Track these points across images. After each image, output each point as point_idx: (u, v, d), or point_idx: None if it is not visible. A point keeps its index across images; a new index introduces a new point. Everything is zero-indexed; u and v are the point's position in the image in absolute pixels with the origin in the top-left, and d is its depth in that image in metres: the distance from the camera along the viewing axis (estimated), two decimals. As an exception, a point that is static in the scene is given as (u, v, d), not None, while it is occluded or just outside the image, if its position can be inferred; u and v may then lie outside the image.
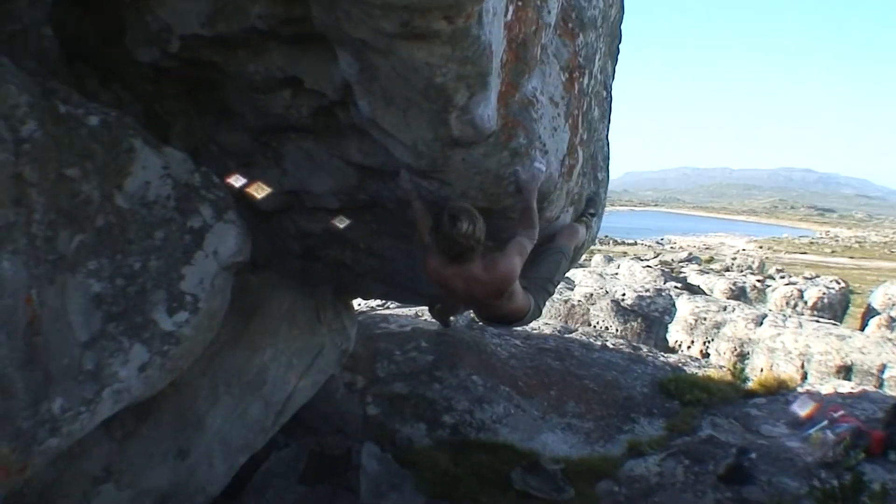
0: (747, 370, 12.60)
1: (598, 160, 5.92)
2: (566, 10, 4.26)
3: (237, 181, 4.61)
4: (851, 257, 75.37)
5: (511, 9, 3.39)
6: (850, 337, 13.02)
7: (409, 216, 4.43)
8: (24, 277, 2.86)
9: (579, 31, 4.45)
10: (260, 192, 4.70)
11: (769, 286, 23.66)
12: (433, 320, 8.27)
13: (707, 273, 27.66)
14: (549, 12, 3.87)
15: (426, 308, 11.54)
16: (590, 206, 5.73)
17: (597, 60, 4.99)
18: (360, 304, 12.25)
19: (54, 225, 3.04)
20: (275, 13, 3.38)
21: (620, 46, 6.23)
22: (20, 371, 2.84)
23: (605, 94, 5.73)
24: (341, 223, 5.08)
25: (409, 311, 11.80)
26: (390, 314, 11.44)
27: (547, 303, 5.11)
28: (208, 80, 4.12)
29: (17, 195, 2.86)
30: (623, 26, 6.06)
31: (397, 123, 3.62)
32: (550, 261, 4.98)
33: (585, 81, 4.73)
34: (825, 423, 8.06)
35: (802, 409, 8.39)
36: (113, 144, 3.41)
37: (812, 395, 9.95)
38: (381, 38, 2.98)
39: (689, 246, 68.98)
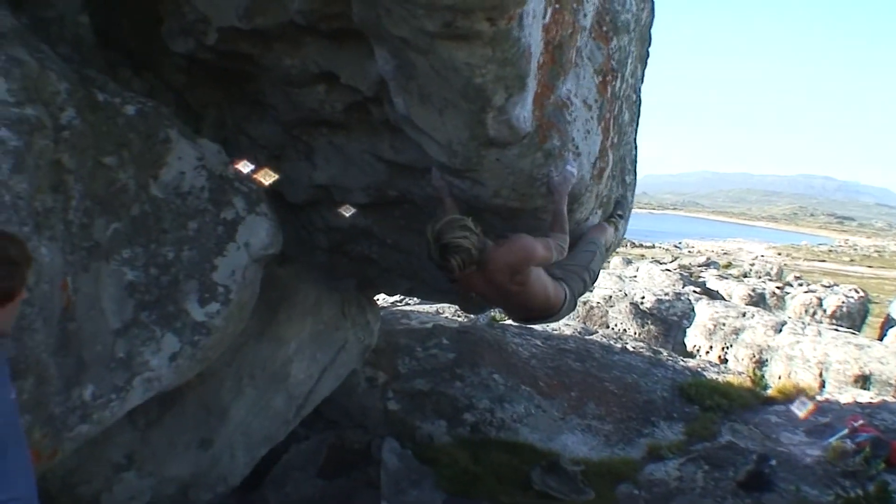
0: (765, 377, 12.55)
1: (627, 163, 5.90)
2: (601, 13, 4.24)
3: (245, 167, 4.60)
4: (870, 266, 74.77)
5: (549, 11, 3.38)
6: (868, 346, 12.92)
7: (439, 214, 4.30)
8: (60, 264, 2.88)
9: (613, 34, 4.43)
10: (268, 178, 4.70)
11: (788, 293, 23.54)
12: (454, 317, 8.25)
13: (726, 278, 27.54)
14: (585, 16, 3.87)
15: (447, 305, 11.58)
16: (618, 209, 5.71)
17: (629, 64, 4.98)
18: (380, 300, 12.28)
19: (90, 212, 3.06)
20: (314, 8, 3.40)
21: (650, 50, 6.21)
22: (54, 357, 2.86)
23: (634, 97, 5.71)
24: (347, 212, 5.07)
25: (430, 307, 11.82)
26: (411, 311, 11.46)
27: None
28: (242, 73, 4.15)
29: (55, 182, 2.89)
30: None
31: (433, 122, 3.61)
32: (584, 251, 4.85)
33: (618, 85, 4.71)
34: (845, 431, 8.02)
35: (800, 410, 8.35)
36: (149, 134, 3.44)
37: (829, 402, 9.89)
38: (421, 37, 2.97)
39: (707, 250, 68.59)
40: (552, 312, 4.41)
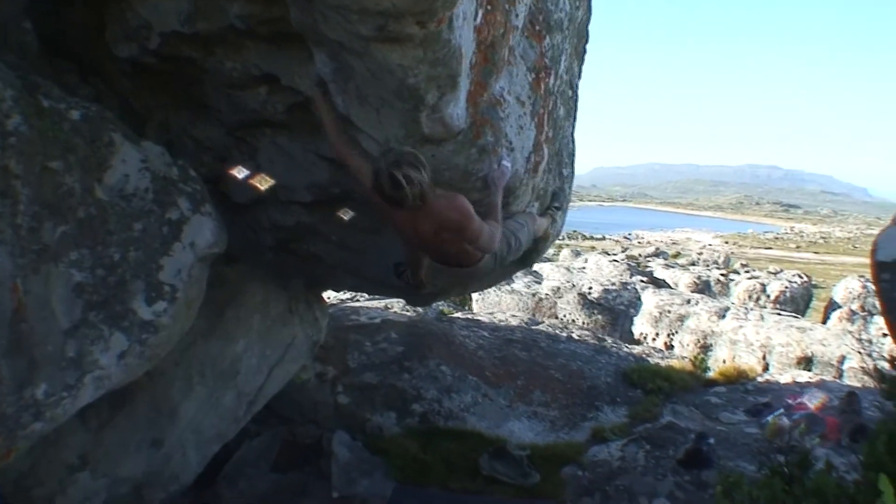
0: (710, 362, 12.90)
1: (564, 157, 6.07)
2: (534, 13, 4.40)
3: (240, 172, 4.71)
4: (816, 252, 76.40)
5: (481, 13, 3.53)
6: (811, 329, 13.35)
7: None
8: (10, 267, 2.95)
9: (546, 33, 4.59)
10: (264, 183, 4.77)
11: (733, 280, 24.06)
12: (402, 312, 8.36)
13: (672, 267, 28.04)
14: (518, 16, 4.02)
15: (395, 300, 11.71)
16: (554, 201, 5.88)
17: (563, 61, 5.14)
18: (330, 297, 12.35)
19: (39, 216, 3.13)
20: (253, 13, 3.50)
21: (587, 46, 6.38)
22: (5, 358, 2.93)
23: (570, 93, 5.88)
24: (346, 215, 5.07)
25: (379, 303, 11.94)
26: (360, 307, 11.56)
27: (515, 295, 5.14)
28: (185, 76, 4.22)
29: (3, 187, 2.96)
30: (591, 26, 6.21)
31: (370, 120, 3.75)
32: (515, 220, 4.90)
33: (551, 81, 4.86)
34: (781, 410, 8.33)
35: (812, 402, 8.60)
36: (94, 138, 3.50)
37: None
38: (356, 41, 3.11)
39: (656, 241, 69.56)
40: (469, 264, 4.29)
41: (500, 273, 7.04)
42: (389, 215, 3.87)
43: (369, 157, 3.88)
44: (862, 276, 19.38)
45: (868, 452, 3.26)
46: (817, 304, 23.79)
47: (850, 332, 13.90)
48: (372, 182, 3.55)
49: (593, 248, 47.76)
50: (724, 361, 12.94)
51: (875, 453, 3.19)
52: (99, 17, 3.90)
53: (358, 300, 12.86)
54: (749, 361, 12.63)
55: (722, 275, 25.02)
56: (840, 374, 11.82)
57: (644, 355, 12.00)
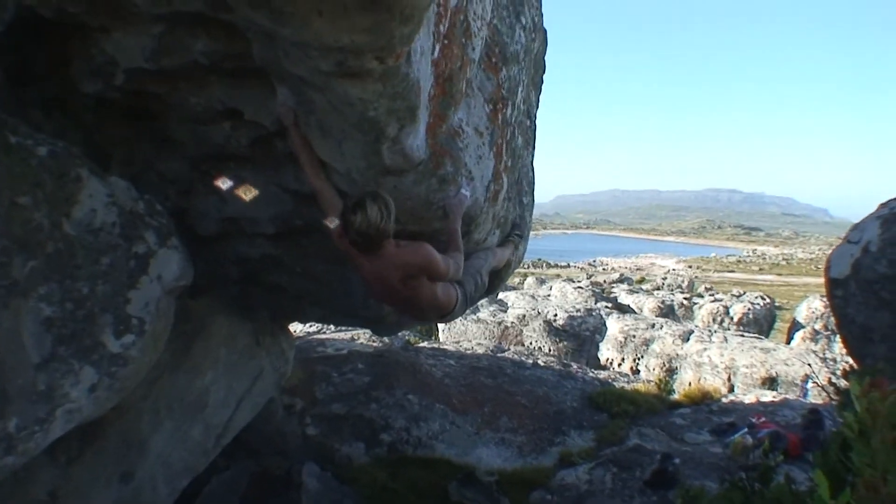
0: (676, 384, 13.06)
1: (524, 185, 6.21)
2: (490, 45, 4.54)
3: (224, 183, 4.72)
4: (779, 274, 77.35)
5: (438, 47, 3.65)
6: (774, 350, 13.58)
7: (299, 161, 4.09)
8: (-20, 301, 3.00)
9: (502, 65, 4.74)
10: (248, 193, 4.79)
11: (696, 304, 24.37)
12: (369, 343, 8.42)
13: (637, 292, 28.31)
14: (474, 49, 4.15)
15: (362, 331, 11.75)
16: (516, 229, 6.02)
17: (520, 92, 5.28)
18: (297, 330, 12.36)
19: (8, 251, 3.17)
20: (217, 49, 3.58)
21: (545, 77, 6.54)
22: (-24, 392, 2.97)
23: (528, 122, 6.03)
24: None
25: (346, 334, 11.97)
26: (327, 338, 11.60)
27: (481, 324, 5.22)
28: (150, 110, 4.27)
29: (-27, 223, 3.01)
30: (548, 57, 6.37)
31: (333, 153, 3.85)
32: (478, 256, 5.13)
33: (509, 112, 5.01)
34: (745, 429, 8.49)
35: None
36: (61, 174, 3.55)
37: (734, 403, 10.37)
38: (317, 76, 3.20)
39: (620, 267, 70.11)
40: (444, 314, 4.48)
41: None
42: (356, 262, 4.04)
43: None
44: (824, 297, 19.67)
45: (822, 462, 3.38)
46: (781, 325, 24.18)
47: (813, 351, 14.17)
48: (340, 226, 3.75)
49: (558, 275, 48.01)
50: (689, 384, 13.10)
51: (829, 462, 3.31)
52: (63, 52, 3.94)
53: (324, 332, 12.88)
54: (714, 383, 12.81)
55: (686, 298, 25.36)
56: (804, 393, 12.03)
57: (610, 380, 12.13)
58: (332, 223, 3.93)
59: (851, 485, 2.19)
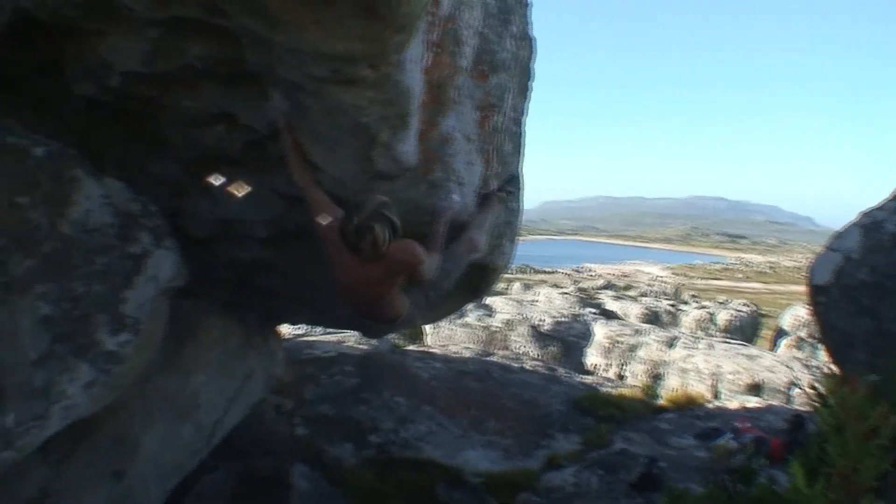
0: (662, 390, 13.15)
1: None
2: (479, 53, 4.60)
3: (216, 180, 4.76)
4: (765, 282, 77.56)
5: (429, 55, 3.74)
6: (759, 357, 13.71)
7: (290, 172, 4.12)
8: (-22, 299, 3.06)
9: (491, 72, 4.80)
10: (240, 190, 4.81)
11: (682, 310, 24.48)
12: (357, 345, 8.46)
13: (622, 299, 28.41)
14: (464, 57, 4.24)
15: (350, 333, 11.80)
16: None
17: (508, 99, 5.33)
18: (284, 332, 12.39)
19: (6, 250, 3.23)
20: (211, 53, 3.63)
21: (532, 84, 6.61)
22: (-26, 388, 3.03)
23: (516, 129, 6.09)
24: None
25: (334, 337, 12.02)
26: (315, 340, 11.65)
27: (467, 328, 5.18)
28: (143, 114, 4.31)
29: (-29, 222, 3.07)
30: (535, 64, 6.44)
31: (325, 157, 3.93)
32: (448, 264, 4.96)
33: (498, 119, 5.08)
34: (729, 434, 8.60)
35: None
36: (57, 174, 3.61)
37: (719, 409, 10.49)
38: (311, 82, 3.28)
39: (606, 274, 70.11)
40: (392, 320, 4.40)
41: (452, 304, 7.17)
42: (339, 254, 3.93)
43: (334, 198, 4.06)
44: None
45: (803, 461, 3.47)
46: (766, 333, 24.33)
47: (798, 358, 14.29)
48: (339, 223, 3.68)
49: (544, 281, 48.02)
50: (675, 390, 13.19)
51: (810, 461, 3.40)
52: (56, 55, 3.98)
53: (312, 335, 12.93)
54: (700, 389, 12.90)
55: (671, 305, 25.48)
56: (788, 400, 12.14)
57: (596, 384, 12.23)
58: (324, 220, 3.93)
59: (826, 475, 2.29)
